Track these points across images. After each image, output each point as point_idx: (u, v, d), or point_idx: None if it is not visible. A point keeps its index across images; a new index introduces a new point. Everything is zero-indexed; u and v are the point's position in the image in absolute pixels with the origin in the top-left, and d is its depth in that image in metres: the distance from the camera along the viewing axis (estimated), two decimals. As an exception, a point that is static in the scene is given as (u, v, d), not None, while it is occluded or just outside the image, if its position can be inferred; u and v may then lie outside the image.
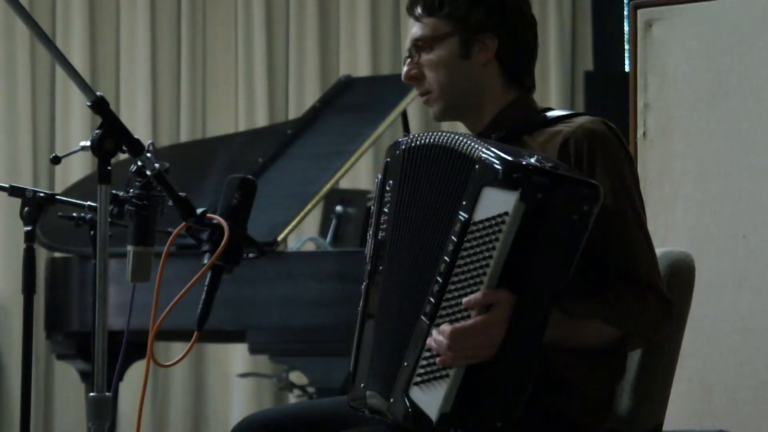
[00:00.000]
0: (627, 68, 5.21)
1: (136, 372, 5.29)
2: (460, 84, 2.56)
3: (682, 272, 2.63)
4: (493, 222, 2.31)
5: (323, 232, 5.88)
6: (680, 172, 3.61)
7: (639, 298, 2.44)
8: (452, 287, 2.35)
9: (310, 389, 5.92)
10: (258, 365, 6.97)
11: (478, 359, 2.33)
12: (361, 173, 7.01)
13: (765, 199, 3.44)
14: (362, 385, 2.50)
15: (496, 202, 2.31)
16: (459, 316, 2.35)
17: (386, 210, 2.51)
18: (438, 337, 2.34)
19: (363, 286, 2.55)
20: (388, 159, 2.54)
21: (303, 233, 6.18)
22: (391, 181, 2.52)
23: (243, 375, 6.58)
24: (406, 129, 5.25)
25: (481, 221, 2.33)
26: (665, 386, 2.62)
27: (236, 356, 7.11)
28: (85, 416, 5.78)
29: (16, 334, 6.81)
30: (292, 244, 5.73)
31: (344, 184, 6.18)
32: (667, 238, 3.57)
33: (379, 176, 2.56)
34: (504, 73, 2.57)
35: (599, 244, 2.43)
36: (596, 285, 2.45)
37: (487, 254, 2.31)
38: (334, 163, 5.11)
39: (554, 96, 7.27)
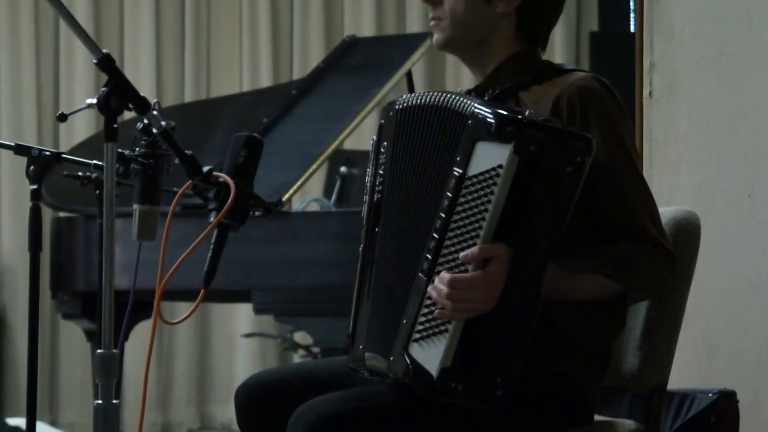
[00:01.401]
0: (633, 28, 5.21)
1: (141, 333, 5.30)
2: (473, 24, 2.56)
3: (688, 231, 2.63)
4: (488, 176, 2.32)
5: (328, 193, 5.88)
6: (686, 132, 3.61)
7: (640, 251, 2.44)
8: (449, 242, 2.36)
9: (315, 349, 5.93)
10: (262, 325, 6.98)
11: (477, 312, 2.33)
12: (365, 134, 6.99)
13: (771, 159, 3.44)
14: (361, 346, 2.51)
15: (489, 156, 2.32)
16: (456, 271, 2.35)
17: (381, 171, 2.53)
18: (438, 285, 2.35)
19: (360, 248, 2.56)
20: (383, 120, 2.56)
21: (307, 194, 6.18)
22: (385, 143, 2.53)
23: (247, 335, 6.60)
24: (411, 89, 5.23)
25: (475, 175, 2.34)
26: (670, 345, 2.63)
27: (241, 317, 7.13)
28: (90, 375, 5.79)
29: (21, 294, 6.83)
30: (297, 205, 5.73)
31: (349, 145, 6.16)
32: (672, 197, 3.57)
33: (374, 138, 2.57)
34: (519, 28, 2.56)
35: (597, 202, 2.44)
36: (597, 244, 2.45)
37: (482, 207, 2.32)
38: (339, 124, 5.11)
39: (559, 57, 7.25)
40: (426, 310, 2.38)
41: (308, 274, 4.68)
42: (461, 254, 2.34)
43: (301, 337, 6.52)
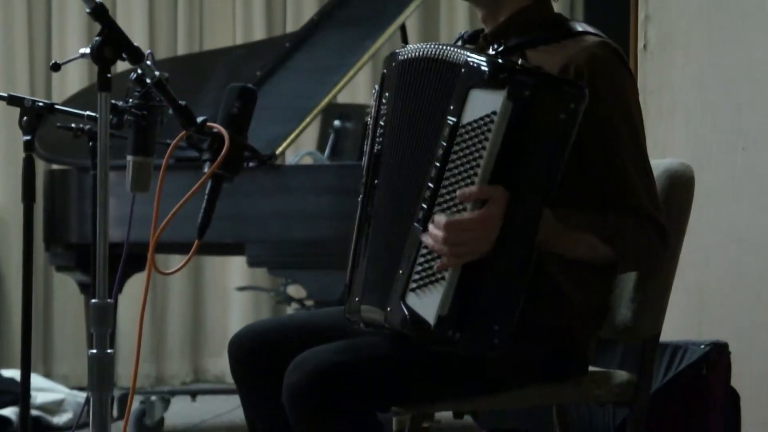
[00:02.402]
0: (627, -20, 5.17)
1: (134, 286, 5.31)
2: None
3: (681, 183, 2.63)
4: (482, 122, 2.33)
5: (321, 147, 5.87)
6: (680, 84, 3.61)
7: (635, 223, 2.45)
8: (443, 191, 2.37)
9: (308, 303, 5.95)
10: (256, 279, 6.99)
11: (473, 255, 2.33)
12: (359, 87, 6.98)
13: (765, 112, 3.43)
14: (357, 298, 2.52)
15: (483, 103, 2.33)
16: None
17: (382, 123, 2.52)
18: (433, 230, 2.35)
19: (359, 199, 2.56)
20: (385, 71, 2.55)
21: (301, 148, 6.17)
22: (387, 93, 2.53)
23: (241, 288, 6.61)
24: (405, 42, 5.22)
25: (469, 123, 2.34)
26: (663, 296, 2.64)
27: (234, 270, 7.14)
28: (84, 328, 5.78)
29: (15, 246, 6.83)
30: (290, 158, 5.72)
31: (342, 99, 6.15)
32: (666, 149, 3.57)
33: (377, 87, 2.56)
34: None
35: (596, 171, 2.44)
36: (594, 210, 2.46)
37: (477, 155, 2.33)
38: (333, 77, 5.09)
39: (555, 8, 7.21)
40: (422, 259, 2.38)
41: (302, 227, 4.68)
42: (458, 192, 2.33)
43: (294, 290, 6.53)
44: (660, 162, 2.66)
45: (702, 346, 2.92)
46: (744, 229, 3.45)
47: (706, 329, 3.41)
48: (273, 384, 2.51)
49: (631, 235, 2.44)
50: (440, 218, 2.34)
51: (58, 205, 5.10)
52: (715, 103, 3.52)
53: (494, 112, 2.31)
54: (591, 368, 2.63)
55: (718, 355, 2.99)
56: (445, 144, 2.36)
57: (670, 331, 2.87)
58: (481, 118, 2.33)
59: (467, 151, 2.34)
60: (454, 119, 2.36)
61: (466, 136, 2.34)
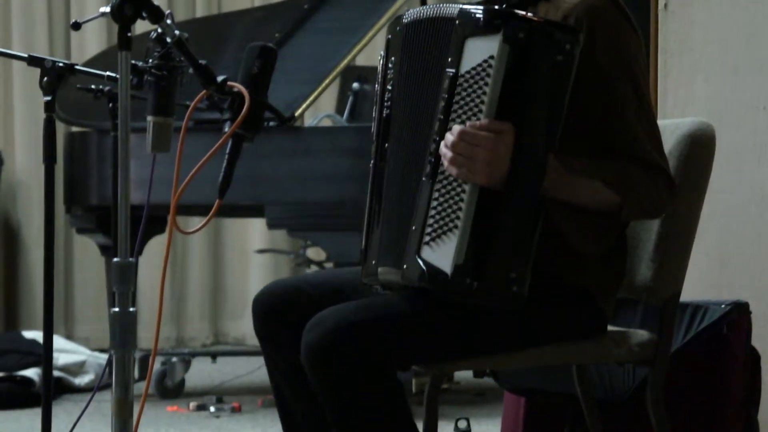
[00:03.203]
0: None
1: (153, 249, 5.34)
2: None
3: (702, 142, 2.63)
4: (480, 69, 2.34)
5: (340, 110, 5.87)
6: (701, 43, 3.59)
7: (641, 170, 2.45)
8: None
9: (327, 265, 5.96)
10: (276, 242, 7.01)
11: (476, 176, 2.34)
12: (378, 49, 6.95)
13: (786, 71, 3.42)
14: (374, 261, 2.52)
15: (480, 50, 2.35)
16: None
17: (390, 87, 2.53)
18: (447, 135, 2.37)
19: (371, 164, 2.57)
20: (389, 36, 2.56)
21: (320, 110, 6.17)
22: (393, 58, 2.54)
23: (261, 251, 6.63)
24: (424, 1, 5.20)
25: (467, 71, 2.36)
26: (683, 256, 2.64)
27: (254, 233, 7.16)
28: (104, 289, 5.81)
29: (35, 209, 6.86)
30: (309, 121, 5.72)
31: (361, 61, 6.14)
32: (686, 109, 3.56)
33: (382, 53, 2.57)
34: None
35: (598, 122, 2.44)
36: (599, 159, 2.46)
37: (478, 101, 2.35)
38: (352, 38, 5.09)
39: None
40: (434, 212, 2.39)
41: (321, 188, 4.69)
42: (469, 123, 2.35)
43: (313, 253, 6.55)
44: (681, 121, 2.65)
45: (722, 306, 2.91)
46: (764, 187, 3.44)
47: (727, 289, 3.41)
48: (295, 342, 2.52)
49: (637, 181, 2.44)
50: (456, 126, 2.36)
51: (78, 168, 5.11)
52: (737, 63, 3.50)
53: (491, 57, 2.33)
54: (610, 328, 2.63)
55: (738, 314, 2.98)
56: (446, 96, 2.38)
57: (690, 291, 2.87)
58: (479, 65, 2.35)
59: (468, 99, 2.36)
60: (452, 70, 2.38)
61: (466, 85, 2.36)
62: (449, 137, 2.36)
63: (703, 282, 3.42)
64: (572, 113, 2.39)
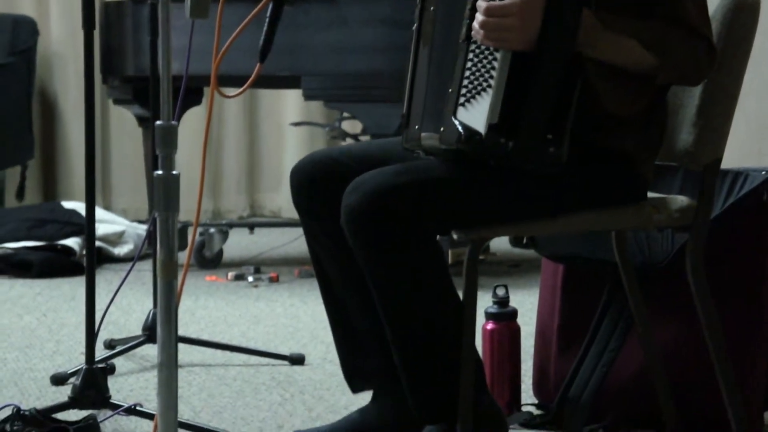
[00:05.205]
0: None
1: (189, 123, 5.35)
2: None
3: (746, 8, 2.59)
4: None
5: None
6: None
7: (684, 35, 2.43)
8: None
9: (362, 138, 5.96)
10: (311, 114, 7.00)
11: (511, 44, 2.34)
12: None
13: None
14: (416, 126, 2.52)
15: None
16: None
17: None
18: (477, 15, 2.36)
19: (414, 28, 2.55)
20: None
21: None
22: None
23: (296, 124, 6.63)
24: None
25: None
26: (725, 121, 2.62)
27: (289, 106, 7.15)
28: (141, 161, 5.82)
29: (72, 80, 6.86)
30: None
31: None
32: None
33: None
34: None
35: None
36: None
37: None
38: None
39: None
40: (468, 73, 2.39)
41: (357, 59, 4.68)
42: None
43: (348, 125, 6.54)
44: (724, -16, 2.62)
45: (763, 173, 2.90)
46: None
47: (766, 156, 3.40)
48: (333, 212, 2.53)
49: (676, 45, 2.42)
50: (481, 2, 2.35)
51: (114, 38, 5.10)
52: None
53: None
54: (650, 194, 2.63)
55: (779, 181, 2.97)
56: None
57: (729, 159, 2.85)
58: None
59: None
60: None
61: None
62: (478, 17, 2.35)
63: (742, 150, 3.41)
64: None
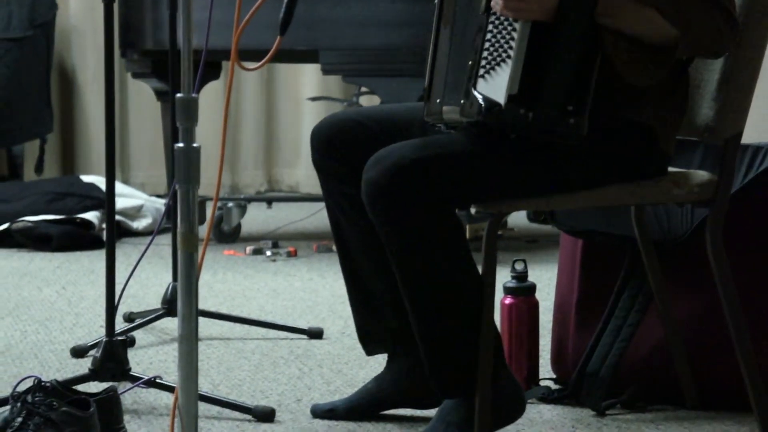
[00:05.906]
0: None
1: (207, 97, 5.34)
2: None
3: (769, -20, 2.58)
4: None
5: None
6: None
7: (705, 6, 2.41)
8: None
9: (381, 112, 5.96)
10: (329, 89, 7.00)
11: (531, 14, 2.34)
12: None
13: None
14: (438, 100, 2.51)
15: None
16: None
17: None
18: None
19: (436, 2, 2.55)
20: None
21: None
22: None
23: (314, 99, 6.62)
24: None
25: None
26: (746, 96, 2.61)
27: (306, 80, 7.15)
28: (160, 135, 5.83)
29: (90, 54, 6.87)
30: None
31: None
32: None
33: None
34: None
35: None
36: None
37: None
38: None
39: None
40: (487, 44, 2.39)
41: (376, 33, 4.67)
42: None
43: (366, 100, 6.54)
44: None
45: (784, 148, 2.89)
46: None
47: (787, 132, 3.39)
48: (353, 174, 2.54)
49: (696, 15, 2.41)
50: None
51: (133, 12, 5.10)
52: None
53: None
54: (671, 169, 2.63)
55: (798, 156, 2.96)
56: None
57: (750, 135, 2.85)
58: None
59: None
60: None
61: None
62: None
63: (762, 126, 3.39)
64: None
